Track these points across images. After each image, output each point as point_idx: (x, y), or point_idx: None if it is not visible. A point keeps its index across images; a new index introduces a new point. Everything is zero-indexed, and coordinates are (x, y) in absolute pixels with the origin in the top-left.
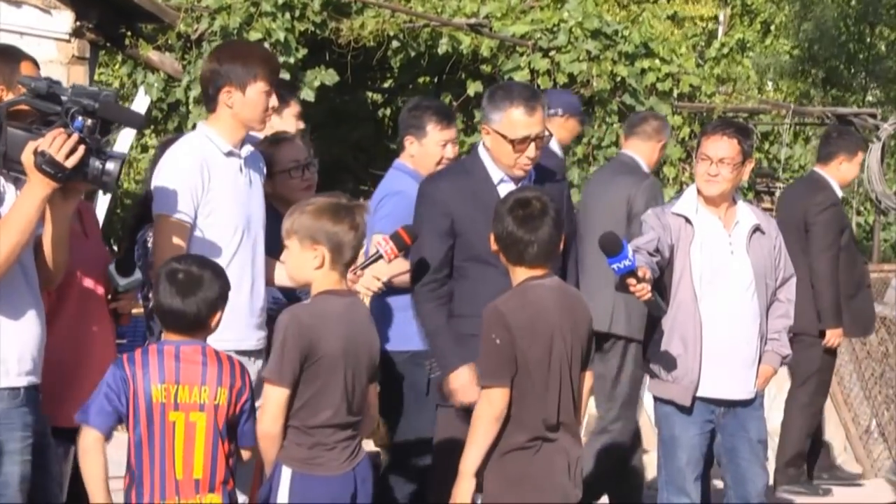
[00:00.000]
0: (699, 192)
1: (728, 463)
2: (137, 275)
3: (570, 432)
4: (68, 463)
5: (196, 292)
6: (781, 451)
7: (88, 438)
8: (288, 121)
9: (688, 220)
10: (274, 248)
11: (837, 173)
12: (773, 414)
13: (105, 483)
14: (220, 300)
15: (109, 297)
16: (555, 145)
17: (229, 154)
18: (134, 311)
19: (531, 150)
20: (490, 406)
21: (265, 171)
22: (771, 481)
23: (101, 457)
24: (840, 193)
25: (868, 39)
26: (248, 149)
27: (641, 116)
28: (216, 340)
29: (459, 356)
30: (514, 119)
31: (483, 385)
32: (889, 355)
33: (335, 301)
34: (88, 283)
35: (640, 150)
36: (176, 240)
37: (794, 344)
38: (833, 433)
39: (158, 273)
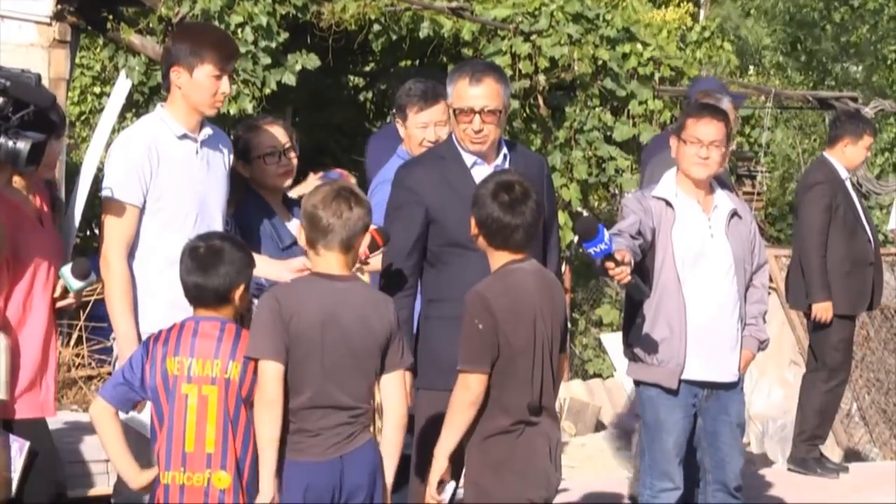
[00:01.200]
0: (686, 174)
1: (708, 446)
2: (93, 277)
3: (550, 416)
4: (14, 456)
5: (217, 266)
6: (796, 429)
7: (95, 407)
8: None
9: (668, 204)
10: (251, 231)
11: (843, 156)
12: (755, 398)
13: (119, 445)
14: (242, 274)
15: (57, 294)
16: None
17: (183, 137)
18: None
19: (476, 123)
20: (467, 391)
21: (231, 154)
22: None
23: (110, 423)
24: (845, 175)
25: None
26: (206, 132)
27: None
28: (170, 323)
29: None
30: (458, 89)
31: (461, 370)
32: (870, 339)
33: (319, 282)
34: (39, 274)
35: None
36: (123, 224)
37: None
38: None
39: (182, 251)
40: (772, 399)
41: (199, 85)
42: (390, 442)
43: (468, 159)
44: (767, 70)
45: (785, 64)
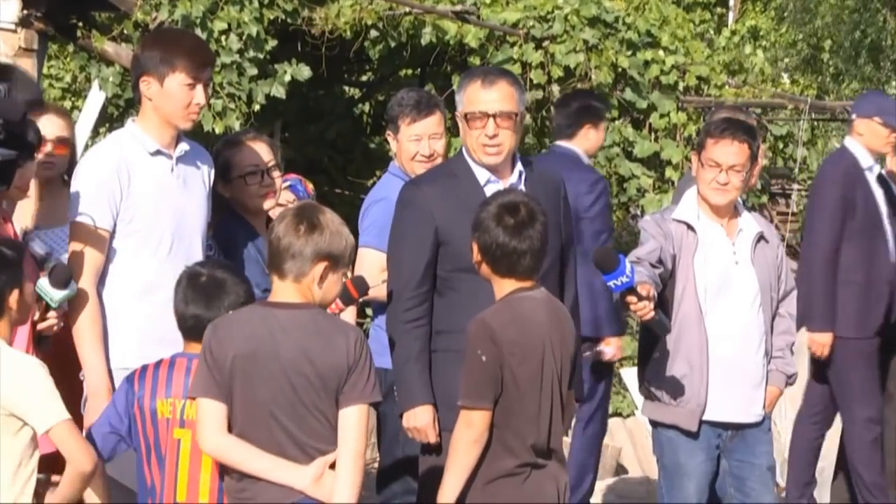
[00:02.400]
0: (704, 199)
1: (736, 492)
2: (73, 285)
3: (558, 458)
4: None
5: (221, 298)
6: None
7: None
8: None
9: (690, 227)
10: (234, 255)
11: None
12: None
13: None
14: (244, 306)
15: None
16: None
17: (156, 153)
18: None
19: (490, 128)
20: (469, 429)
21: (212, 171)
22: None
23: (96, 482)
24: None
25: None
26: (183, 147)
27: None
28: (144, 359)
29: (423, 395)
30: (469, 93)
31: (463, 406)
32: None
33: (259, 311)
34: None
35: None
36: (92, 248)
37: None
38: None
39: (179, 278)
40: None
41: (171, 95)
42: (341, 482)
43: (481, 176)
44: (824, 73)
45: (845, 70)
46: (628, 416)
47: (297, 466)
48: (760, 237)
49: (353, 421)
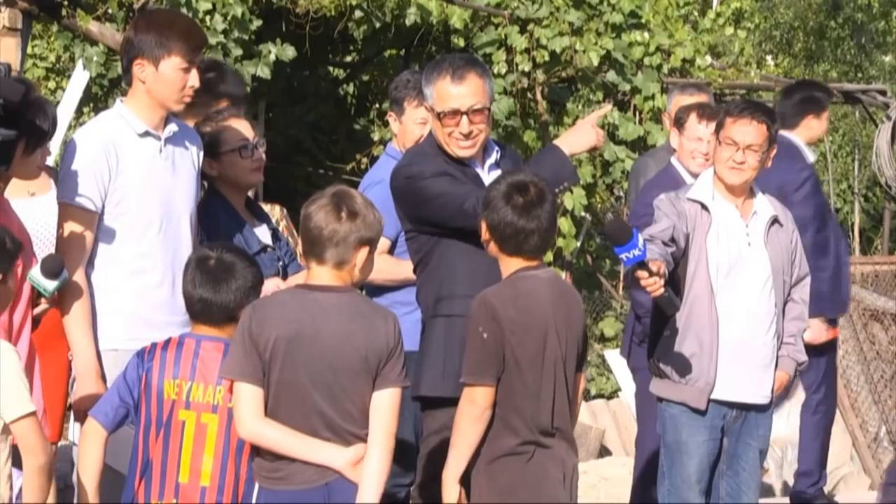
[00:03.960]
0: (720, 178)
1: (727, 469)
2: (65, 274)
3: (565, 439)
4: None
5: (229, 281)
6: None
7: (87, 427)
8: None
9: (704, 207)
10: (217, 237)
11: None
12: (775, 420)
13: (93, 477)
14: (254, 290)
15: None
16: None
17: (145, 135)
18: None
19: (464, 126)
20: (472, 405)
21: (201, 152)
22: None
23: (94, 449)
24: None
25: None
26: (171, 128)
27: None
28: (133, 340)
29: None
30: (439, 90)
31: (465, 382)
32: None
33: (300, 294)
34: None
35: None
36: (80, 230)
37: None
38: (839, 441)
39: (188, 260)
40: (792, 421)
41: (166, 79)
42: (372, 464)
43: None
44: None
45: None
46: (611, 397)
47: (335, 447)
48: (775, 220)
49: (389, 403)
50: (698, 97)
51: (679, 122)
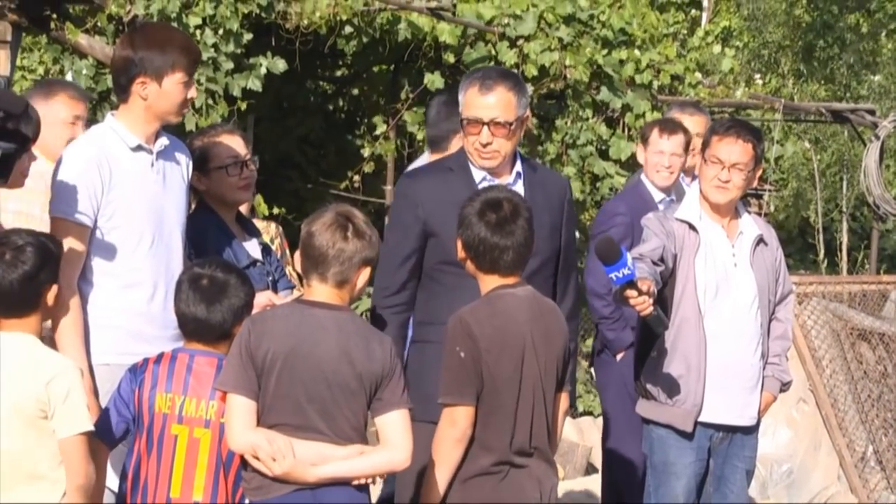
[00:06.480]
0: (705, 197)
1: (714, 492)
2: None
3: (543, 459)
4: None
5: (222, 300)
6: None
7: (93, 446)
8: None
9: (692, 227)
10: (206, 252)
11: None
12: (764, 440)
13: (99, 497)
14: (246, 308)
15: None
16: None
17: (137, 149)
18: None
19: (484, 136)
20: (452, 427)
21: (190, 165)
22: None
23: (101, 468)
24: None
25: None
26: (162, 142)
27: None
28: (125, 354)
29: None
30: (468, 97)
31: (444, 403)
32: (888, 375)
33: (298, 309)
34: None
35: None
36: (74, 244)
37: None
38: (826, 461)
39: (180, 279)
40: (777, 440)
41: (169, 94)
42: (364, 458)
43: (477, 174)
44: (785, 76)
45: (802, 71)
46: (599, 415)
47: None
48: (760, 240)
49: (401, 424)
50: (698, 117)
51: (643, 138)
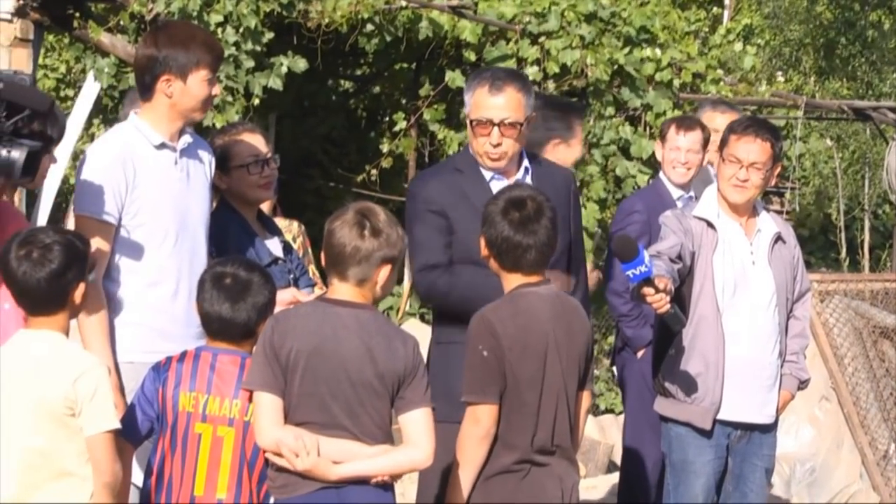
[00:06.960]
0: (723, 196)
1: (733, 490)
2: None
3: (565, 457)
4: None
5: (246, 299)
6: None
7: (119, 445)
8: None
9: (710, 225)
10: (228, 250)
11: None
12: (781, 437)
13: (124, 496)
14: (270, 306)
15: None
16: None
17: (161, 147)
18: None
19: (494, 137)
20: (476, 425)
21: (213, 163)
22: None
23: (127, 467)
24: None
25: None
26: (185, 139)
27: None
28: (150, 352)
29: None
30: (476, 98)
31: (467, 401)
32: None
33: (322, 307)
34: None
35: None
36: (99, 243)
37: None
38: (848, 459)
39: (202, 278)
40: (800, 439)
41: (194, 92)
42: (387, 456)
43: (486, 172)
44: (806, 73)
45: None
46: (620, 413)
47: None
48: (778, 237)
49: (423, 423)
50: (730, 115)
51: (661, 135)
